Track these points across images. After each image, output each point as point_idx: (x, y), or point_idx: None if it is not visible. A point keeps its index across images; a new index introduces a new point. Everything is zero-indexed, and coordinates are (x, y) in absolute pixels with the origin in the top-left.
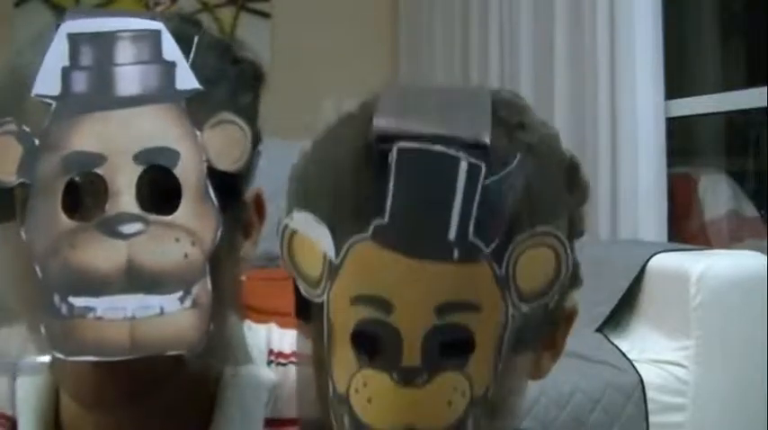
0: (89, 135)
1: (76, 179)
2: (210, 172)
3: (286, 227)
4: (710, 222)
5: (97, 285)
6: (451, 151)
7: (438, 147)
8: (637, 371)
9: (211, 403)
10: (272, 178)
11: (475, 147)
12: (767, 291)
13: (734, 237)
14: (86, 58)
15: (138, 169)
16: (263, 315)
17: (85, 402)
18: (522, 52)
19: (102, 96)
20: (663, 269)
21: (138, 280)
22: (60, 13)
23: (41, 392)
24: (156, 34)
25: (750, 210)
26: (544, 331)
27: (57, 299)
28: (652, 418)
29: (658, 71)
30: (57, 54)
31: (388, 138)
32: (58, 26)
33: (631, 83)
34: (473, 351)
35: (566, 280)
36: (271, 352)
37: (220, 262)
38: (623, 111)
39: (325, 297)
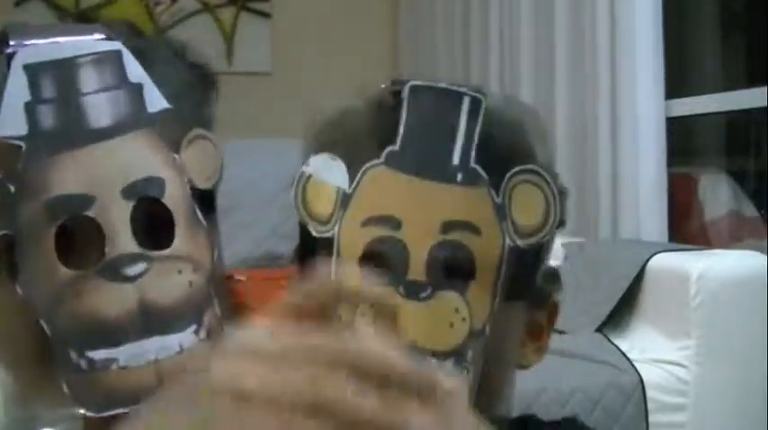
0: (70, 175)
1: (66, 224)
2: (192, 191)
3: (302, 173)
4: (710, 222)
5: (114, 335)
6: (457, 88)
7: (445, 85)
8: (637, 371)
9: None
10: (272, 178)
11: (476, 91)
12: (767, 291)
13: (734, 237)
14: (49, 89)
15: (129, 205)
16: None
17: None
18: (522, 52)
19: (75, 131)
20: (663, 269)
21: (153, 321)
22: (61, 12)
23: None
24: (118, 55)
25: (750, 210)
26: (535, 294)
27: (73, 354)
28: (652, 418)
29: (659, 71)
30: (16, 89)
31: (401, 82)
32: (8, 57)
33: (632, 82)
34: (473, 278)
35: (554, 226)
36: None
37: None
38: (624, 110)
39: (336, 227)
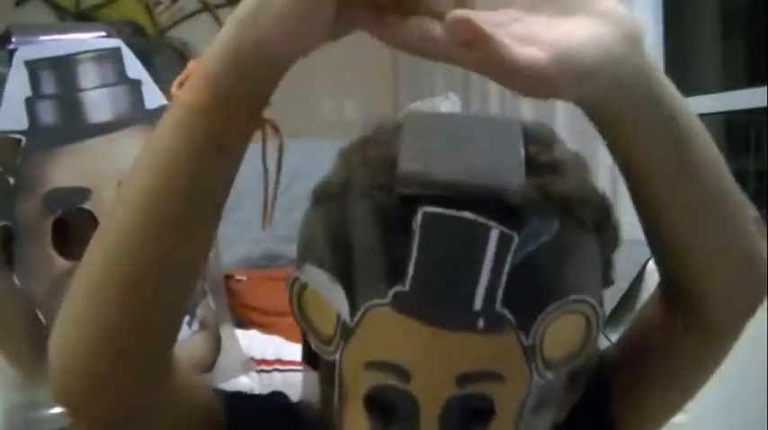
0: (68, 169)
1: (63, 217)
2: None
3: (296, 279)
4: None
5: None
6: (481, 219)
7: (467, 215)
8: None
9: None
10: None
11: (507, 212)
12: (767, 291)
13: None
14: (49, 85)
15: None
16: (263, 315)
17: None
18: None
19: (75, 126)
20: None
21: None
22: (61, 12)
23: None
24: (117, 52)
25: (750, 210)
26: (567, 389)
27: None
28: None
29: None
30: (17, 84)
31: (411, 199)
32: (10, 54)
33: None
34: (493, 416)
35: (594, 343)
36: (251, 359)
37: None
38: None
39: (337, 356)
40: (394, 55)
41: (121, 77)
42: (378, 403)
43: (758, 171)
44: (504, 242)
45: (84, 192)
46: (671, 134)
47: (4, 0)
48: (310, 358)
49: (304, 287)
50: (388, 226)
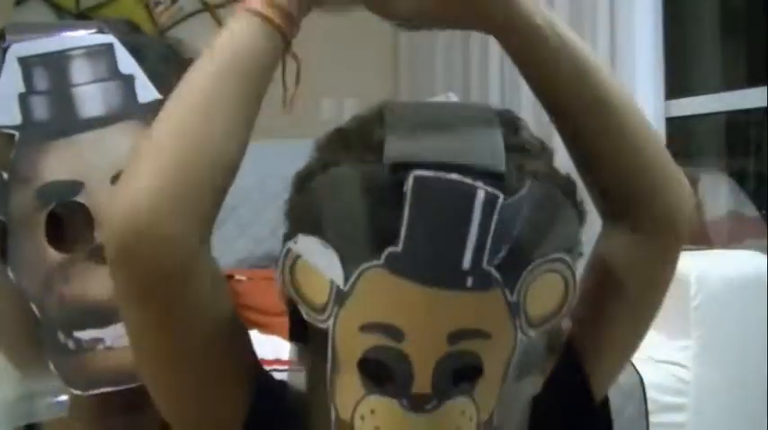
0: (61, 163)
1: (56, 210)
2: None
3: (289, 251)
4: (710, 222)
5: (101, 316)
6: (468, 180)
7: (455, 176)
8: (637, 371)
9: None
10: (272, 179)
11: (491, 177)
12: (767, 291)
13: (734, 237)
14: (42, 81)
15: None
16: (263, 315)
17: (86, 416)
18: None
19: (67, 120)
20: None
21: None
22: (61, 12)
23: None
24: (109, 48)
25: (750, 210)
26: (545, 356)
27: (61, 335)
28: (652, 418)
29: (658, 71)
30: (10, 80)
31: (402, 166)
32: (3, 51)
33: (631, 83)
34: (481, 376)
35: (571, 303)
36: None
37: None
38: None
39: (330, 323)
40: (394, 55)
41: (114, 73)
42: (371, 365)
43: (758, 171)
44: (489, 201)
45: (76, 186)
46: (573, 60)
47: (3, 0)
48: (297, 333)
49: (297, 258)
50: (380, 191)
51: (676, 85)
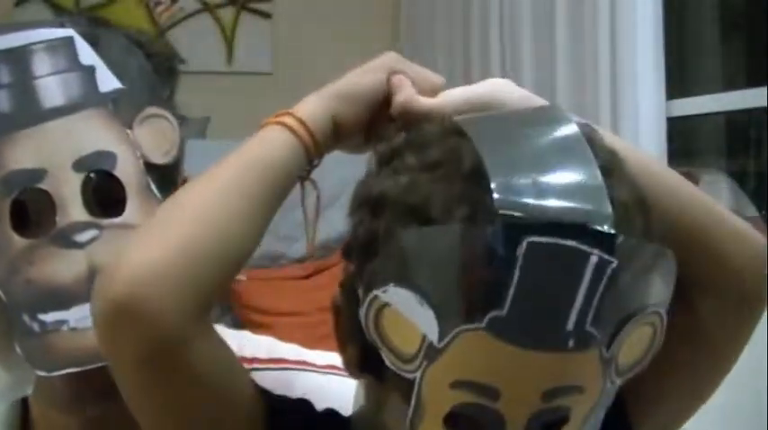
0: (24, 152)
1: (21, 197)
2: (147, 166)
3: (375, 298)
4: None
5: (65, 298)
6: (584, 247)
7: (571, 243)
8: None
9: None
10: None
11: (604, 240)
12: (767, 291)
13: None
14: (4, 75)
15: (80, 177)
16: (263, 315)
17: (63, 404)
18: (523, 52)
19: (30, 111)
20: None
21: None
22: (61, 12)
23: (10, 402)
24: (70, 41)
25: (750, 210)
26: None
27: (26, 318)
28: None
29: (659, 71)
30: None
31: (514, 227)
32: None
33: (632, 83)
34: (566, 424)
35: (657, 348)
36: (242, 358)
37: None
38: (624, 111)
39: (418, 375)
40: None
41: (74, 64)
42: (460, 419)
43: (758, 171)
44: (601, 266)
45: (39, 173)
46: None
47: (3, 0)
48: (371, 368)
49: (385, 305)
50: (488, 254)
51: (676, 85)
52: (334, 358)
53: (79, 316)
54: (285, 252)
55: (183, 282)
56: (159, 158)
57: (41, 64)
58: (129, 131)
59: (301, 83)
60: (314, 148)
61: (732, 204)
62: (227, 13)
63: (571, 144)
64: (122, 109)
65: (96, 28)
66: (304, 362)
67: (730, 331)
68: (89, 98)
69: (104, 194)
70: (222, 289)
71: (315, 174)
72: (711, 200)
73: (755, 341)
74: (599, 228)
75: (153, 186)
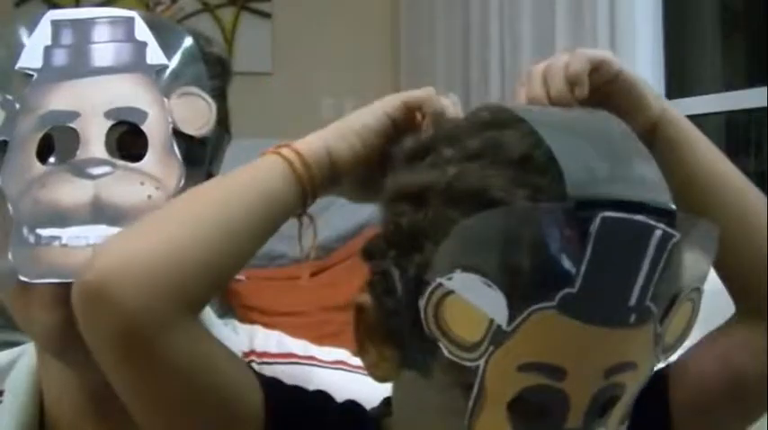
0: (65, 97)
1: (51, 133)
2: (176, 134)
3: (439, 285)
4: None
5: (64, 217)
6: (652, 221)
7: (640, 218)
8: None
9: None
10: None
11: (666, 214)
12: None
13: None
14: (67, 38)
15: (108, 123)
16: (263, 314)
17: (57, 347)
18: (522, 53)
19: (79, 67)
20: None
21: (101, 213)
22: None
23: (32, 374)
24: (131, 20)
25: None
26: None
27: (25, 230)
28: None
29: (659, 71)
30: (40, 36)
31: (586, 204)
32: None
33: None
34: (619, 400)
35: (693, 325)
36: (253, 352)
37: None
38: None
39: (481, 362)
40: (394, 55)
41: (130, 37)
42: (523, 404)
43: (758, 171)
44: (664, 240)
45: (72, 115)
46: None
47: (3, 0)
48: (409, 364)
49: (448, 294)
50: (561, 232)
51: (676, 85)
52: (341, 354)
53: (72, 235)
54: (285, 251)
55: (156, 276)
56: (189, 130)
57: (100, 33)
58: (165, 100)
59: (301, 83)
60: (308, 180)
61: None
62: (227, 13)
63: (619, 129)
64: (164, 81)
65: (162, 21)
66: (312, 358)
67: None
68: (135, 65)
69: (129, 145)
70: (204, 295)
71: None
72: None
73: None
74: (662, 204)
75: (176, 149)
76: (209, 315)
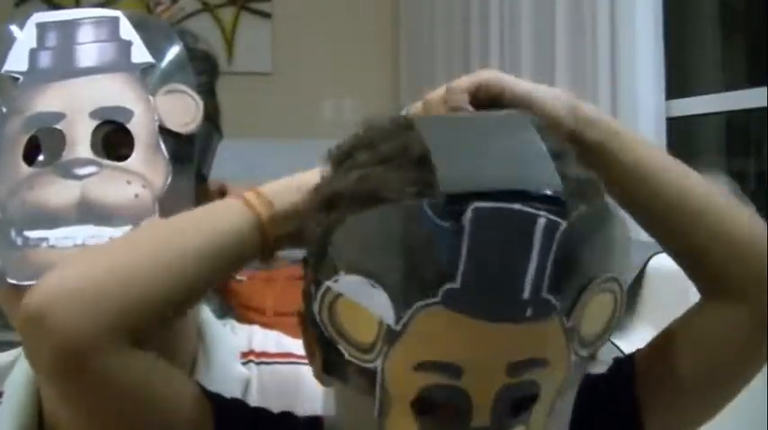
0: (51, 98)
1: (37, 134)
2: (162, 131)
3: (328, 290)
4: None
5: (51, 219)
6: (530, 208)
7: (517, 206)
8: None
9: None
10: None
11: (551, 202)
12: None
13: None
14: (51, 40)
15: (94, 123)
16: (263, 315)
17: None
18: (522, 53)
19: (64, 68)
20: (663, 269)
21: (88, 213)
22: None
23: (31, 375)
24: (115, 20)
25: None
26: (585, 370)
27: (13, 233)
28: None
29: (659, 71)
30: (26, 39)
31: (459, 197)
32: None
33: (632, 83)
34: (537, 401)
35: (618, 319)
36: (251, 352)
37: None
38: (624, 111)
39: (378, 363)
40: (394, 54)
41: (114, 37)
42: (427, 403)
43: (758, 171)
44: (550, 228)
45: (58, 116)
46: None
47: (4, 0)
48: (335, 370)
49: (338, 296)
50: (434, 227)
51: (676, 85)
52: None
53: (59, 236)
54: (285, 252)
55: (91, 301)
56: (176, 127)
57: (85, 34)
58: (151, 98)
59: (301, 83)
60: (267, 216)
61: None
62: (227, 13)
63: (514, 123)
64: (149, 79)
65: (146, 17)
66: None
67: (746, 335)
68: (120, 64)
69: (115, 144)
70: (145, 322)
71: None
72: (731, 201)
73: None
74: (545, 191)
75: (163, 146)
76: (207, 315)
